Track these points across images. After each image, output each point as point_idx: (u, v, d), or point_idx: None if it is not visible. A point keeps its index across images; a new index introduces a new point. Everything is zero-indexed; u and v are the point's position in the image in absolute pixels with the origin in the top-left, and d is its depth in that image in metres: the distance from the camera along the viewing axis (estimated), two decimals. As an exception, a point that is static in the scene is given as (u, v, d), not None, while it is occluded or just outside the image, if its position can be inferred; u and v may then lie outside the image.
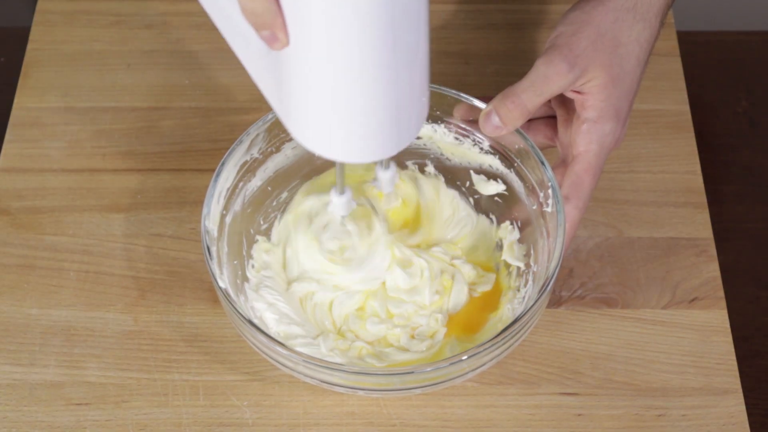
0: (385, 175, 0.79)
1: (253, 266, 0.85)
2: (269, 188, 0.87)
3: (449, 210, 0.88)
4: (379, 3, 0.59)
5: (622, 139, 0.81)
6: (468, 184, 0.88)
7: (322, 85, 0.63)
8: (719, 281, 0.87)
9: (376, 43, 0.60)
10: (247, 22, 0.64)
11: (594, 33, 0.78)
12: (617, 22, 0.78)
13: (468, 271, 0.85)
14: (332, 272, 0.84)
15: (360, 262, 0.84)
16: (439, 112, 0.85)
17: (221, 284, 0.77)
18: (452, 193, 0.89)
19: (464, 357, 0.74)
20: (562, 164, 0.82)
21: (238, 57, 0.71)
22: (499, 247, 0.86)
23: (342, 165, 0.76)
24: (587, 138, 0.78)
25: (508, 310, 0.83)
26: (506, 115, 0.79)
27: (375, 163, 0.80)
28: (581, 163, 0.79)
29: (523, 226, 0.85)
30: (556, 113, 0.83)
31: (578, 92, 0.79)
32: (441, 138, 0.86)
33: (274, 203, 0.88)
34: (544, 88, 0.77)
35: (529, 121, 0.84)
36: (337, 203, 0.79)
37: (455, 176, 0.88)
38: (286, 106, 0.68)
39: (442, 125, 0.85)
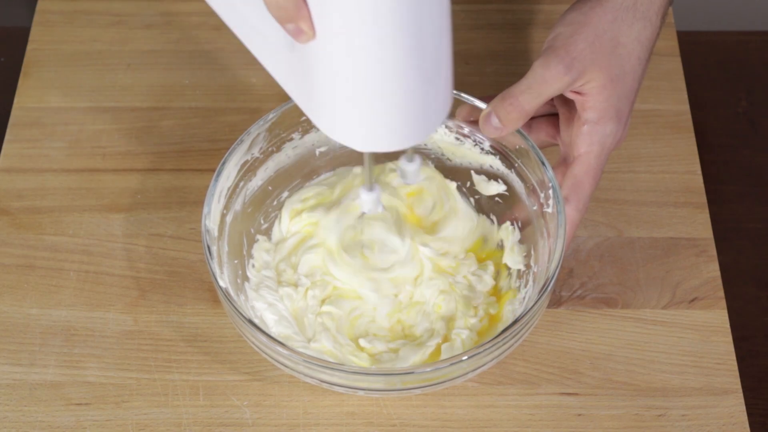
0: (410, 167, 0.78)
1: (253, 266, 0.85)
2: (270, 188, 0.87)
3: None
4: None
5: (624, 139, 0.81)
6: (468, 184, 0.88)
7: (347, 75, 0.63)
8: (719, 281, 0.87)
9: (400, 29, 0.60)
10: (264, 19, 0.64)
11: (592, 34, 0.77)
12: (616, 22, 0.78)
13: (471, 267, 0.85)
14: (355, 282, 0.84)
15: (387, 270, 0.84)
16: None
17: (222, 284, 0.77)
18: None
19: (464, 357, 0.74)
20: (563, 163, 0.81)
21: (255, 55, 0.71)
22: (500, 247, 0.86)
23: (370, 158, 0.75)
24: (588, 139, 0.78)
25: (508, 311, 0.82)
26: (505, 117, 0.79)
27: (397, 156, 0.79)
28: (581, 164, 0.79)
29: (523, 227, 0.85)
30: (558, 111, 0.83)
31: (578, 93, 0.78)
32: (442, 138, 0.86)
33: (275, 203, 0.88)
34: (541, 90, 0.77)
35: (531, 119, 0.84)
36: (366, 199, 0.78)
37: (456, 176, 0.88)
38: (310, 99, 0.68)
39: (443, 125, 0.85)
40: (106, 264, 0.88)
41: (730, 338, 0.85)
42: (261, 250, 0.86)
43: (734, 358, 0.84)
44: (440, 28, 0.63)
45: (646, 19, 0.78)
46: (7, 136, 0.95)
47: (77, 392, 0.82)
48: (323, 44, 0.63)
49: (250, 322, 0.75)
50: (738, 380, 0.83)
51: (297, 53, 0.66)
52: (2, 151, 0.95)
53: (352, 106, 0.65)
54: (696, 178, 0.93)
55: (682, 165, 0.94)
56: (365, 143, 0.67)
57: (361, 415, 0.81)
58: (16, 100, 0.98)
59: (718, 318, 0.86)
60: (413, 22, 0.61)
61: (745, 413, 0.81)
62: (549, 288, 0.76)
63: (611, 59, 0.77)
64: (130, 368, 0.83)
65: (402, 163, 0.78)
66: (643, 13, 0.78)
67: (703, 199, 0.92)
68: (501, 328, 0.77)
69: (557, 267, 0.76)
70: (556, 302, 0.86)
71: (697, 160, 0.94)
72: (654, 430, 0.81)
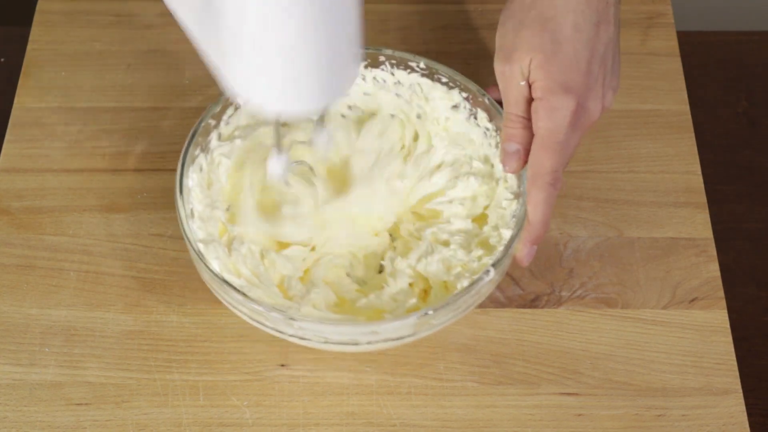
0: (320, 136, 0.78)
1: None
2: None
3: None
4: None
5: (603, 108, 0.80)
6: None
7: (256, 32, 0.63)
8: (719, 281, 0.87)
9: None
10: None
11: (516, 22, 0.79)
12: (537, 1, 0.79)
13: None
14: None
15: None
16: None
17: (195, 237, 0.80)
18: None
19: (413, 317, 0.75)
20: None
21: (180, 22, 0.72)
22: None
23: (278, 122, 0.75)
24: (536, 116, 0.79)
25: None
26: (514, 133, 0.80)
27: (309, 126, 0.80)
28: (536, 141, 0.80)
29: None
30: None
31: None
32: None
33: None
34: (515, 97, 0.80)
35: None
36: (276, 162, 0.78)
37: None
38: (223, 60, 0.67)
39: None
40: (106, 264, 0.88)
41: (729, 338, 0.85)
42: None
43: (734, 358, 0.84)
44: None
45: None
46: (7, 136, 0.95)
47: (77, 392, 0.82)
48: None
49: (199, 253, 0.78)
50: (738, 380, 0.83)
51: (209, 10, 0.66)
52: (2, 151, 0.95)
53: (256, 62, 0.64)
54: (696, 178, 0.93)
55: (682, 165, 0.94)
56: (270, 103, 0.66)
57: (361, 415, 0.81)
58: (16, 100, 0.98)
59: (718, 318, 0.86)
60: None
61: (744, 413, 0.81)
62: (501, 266, 0.77)
63: (542, 35, 0.78)
64: (130, 368, 0.83)
65: (313, 132, 0.78)
66: None
67: (703, 199, 0.92)
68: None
69: (506, 252, 0.78)
70: (556, 302, 0.86)
71: (697, 160, 0.94)
72: (654, 430, 0.81)
